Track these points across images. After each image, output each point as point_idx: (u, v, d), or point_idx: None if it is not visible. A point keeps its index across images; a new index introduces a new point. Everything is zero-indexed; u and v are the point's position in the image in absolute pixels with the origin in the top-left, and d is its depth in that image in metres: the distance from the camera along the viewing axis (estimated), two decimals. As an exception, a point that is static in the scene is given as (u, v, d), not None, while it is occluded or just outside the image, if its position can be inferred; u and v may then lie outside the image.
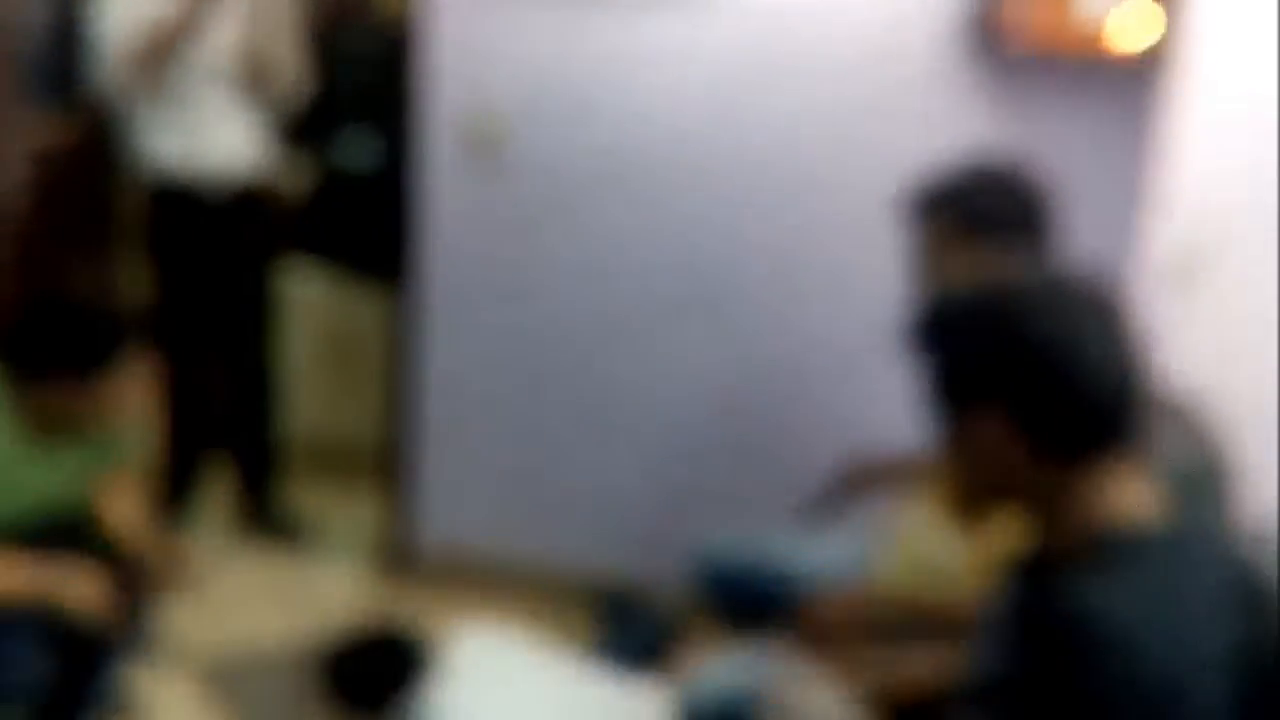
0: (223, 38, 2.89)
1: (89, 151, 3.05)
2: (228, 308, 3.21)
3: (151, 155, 2.98)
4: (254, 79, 2.96)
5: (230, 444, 3.40)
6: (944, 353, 1.35)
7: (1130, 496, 1.26)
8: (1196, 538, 1.30)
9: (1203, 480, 1.73)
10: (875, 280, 2.59)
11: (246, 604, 3.11)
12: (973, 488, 1.38)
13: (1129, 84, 2.58)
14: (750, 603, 2.26)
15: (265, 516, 3.40)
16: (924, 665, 1.84)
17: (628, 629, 2.75)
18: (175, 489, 3.32)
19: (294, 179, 4.00)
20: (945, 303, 1.42)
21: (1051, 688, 1.21)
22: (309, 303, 3.84)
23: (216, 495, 3.43)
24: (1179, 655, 1.18)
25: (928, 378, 1.36)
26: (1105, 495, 1.26)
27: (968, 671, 1.44)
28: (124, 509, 2.23)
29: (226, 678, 2.79)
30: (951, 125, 2.67)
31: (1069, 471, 1.27)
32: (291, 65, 3.04)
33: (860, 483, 2.35)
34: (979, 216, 1.91)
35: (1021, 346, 1.27)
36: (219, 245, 3.08)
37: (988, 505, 1.38)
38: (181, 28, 2.80)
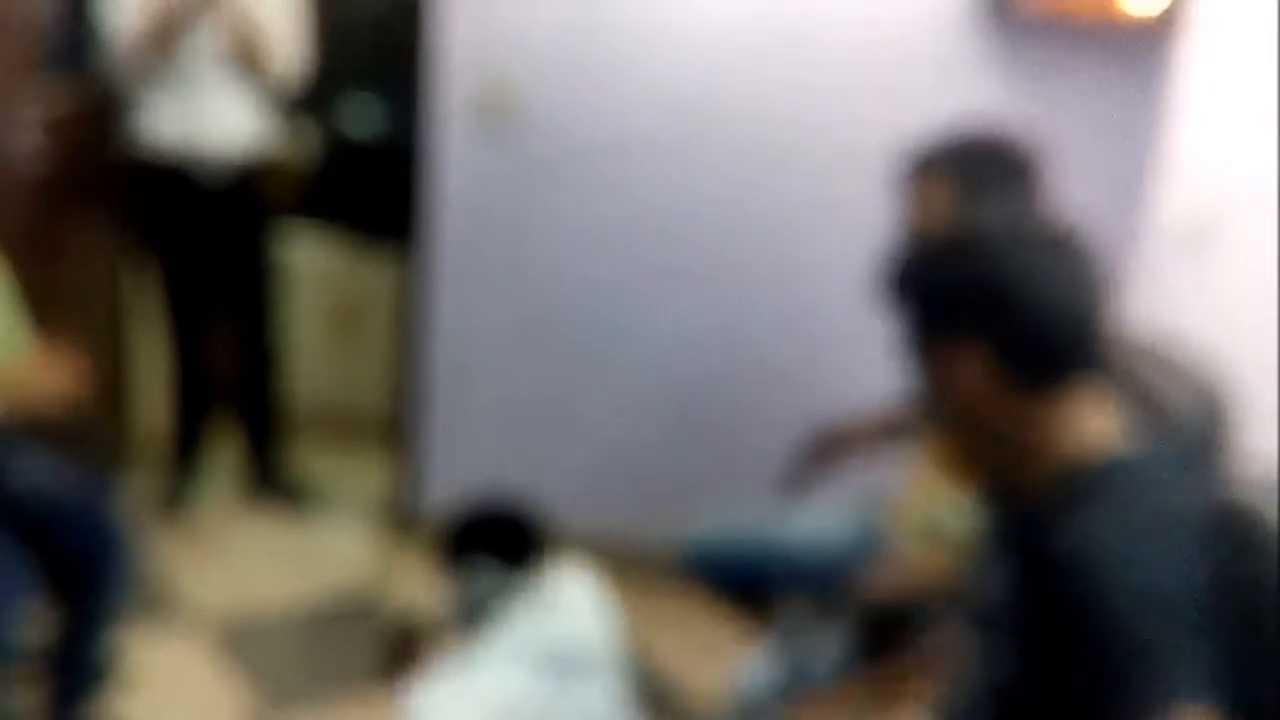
0: (219, 19, 2.91)
1: (100, 120, 3.04)
2: (230, 278, 3.23)
3: (150, 132, 3.00)
4: (248, 61, 2.96)
5: (237, 409, 3.43)
6: (920, 293, 1.39)
7: (1098, 425, 1.33)
8: (1163, 460, 1.36)
9: (1207, 429, 1.77)
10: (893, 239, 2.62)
11: (255, 566, 3.14)
12: (954, 427, 1.43)
13: (1140, 48, 2.59)
14: (746, 584, 2.31)
15: (271, 481, 3.43)
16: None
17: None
18: (182, 454, 3.37)
19: (300, 146, 4.01)
20: (918, 247, 1.46)
21: (1056, 616, 1.26)
22: (317, 269, 3.86)
23: (225, 460, 3.46)
24: (1169, 571, 1.24)
25: (904, 322, 1.40)
26: (1076, 425, 1.32)
27: (968, 598, 1.50)
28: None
29: (236, 638, 2.82)
30: (964, 92, 2.68)
31: (1042, 403, 1.32)
32: (287, 44, 3.04)
33: (833, 447, 2.37)
34: (975, 180, 1.94)
35: (994, 282, 1.32)
36: (217, 219, 3.10)
37: (969, 444, 1.42)
38: (181, 17, 2.84)
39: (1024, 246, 1.35)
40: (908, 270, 1.41)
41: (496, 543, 2.04)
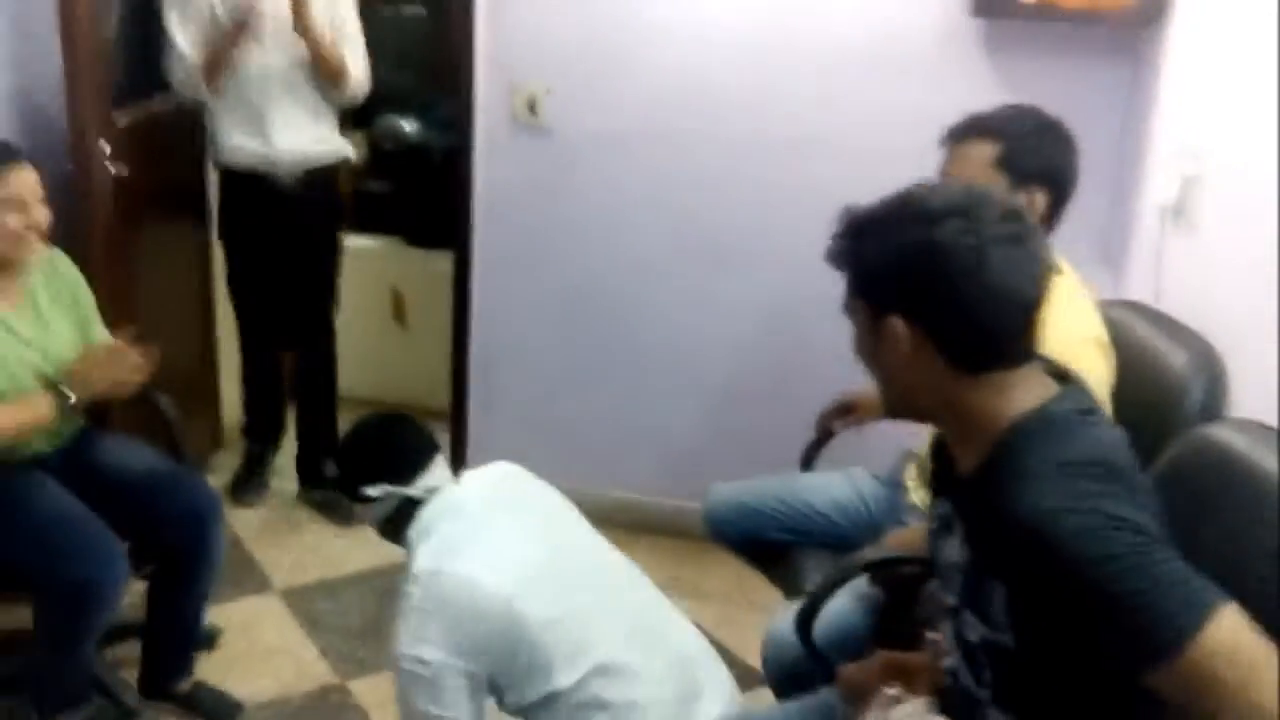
0: (287, 40, 3.12)
1: (180, 126, 3.26)
2: (299, 279, 3.41)
3: (224, 145, 3.22)
4: (333, 77, 3.17)
5: (298, 424, 3.61)
6: (862, 261, 1.35)
7: (1032, 394, 1.32)
8: (1078, 405, 1.34)
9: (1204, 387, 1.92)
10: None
11: (323, 540, 3.38)
12: (889, 396, 1.42)
13: (1126, 36, 2.72)
14: (767, 543, 2.41)
15: (325, 501, 3.55)
16: None
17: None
18: (261, 435, 3.59)
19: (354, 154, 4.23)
20: (863, 212, 1.38)
21: (1039, 582, 1.24)
22: (367, 264, 4.08)
23: (292, 447, 3.66)
24: (1125, 503, 1.23)
25: (847, 284, 1.38)
26: (1011, 398, 1.31)
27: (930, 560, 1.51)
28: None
29: (309, 606, 3.06)
30: (957, 80, 2.82)
31: (981, 381, 1.31)
32: (359, 64, 3.25)
33: (851, 410, 2.52)
34: (1018, 151, 1.94)
35: (933, 262, 1.27)
36: (288, 224, 3.30)
37: (906, 413, 1.43)
38: (227, 50, 3.07)
39: (967, 226, 1.27)
40: (849, 235, 1.37)
41: (380, 470, 1.95)
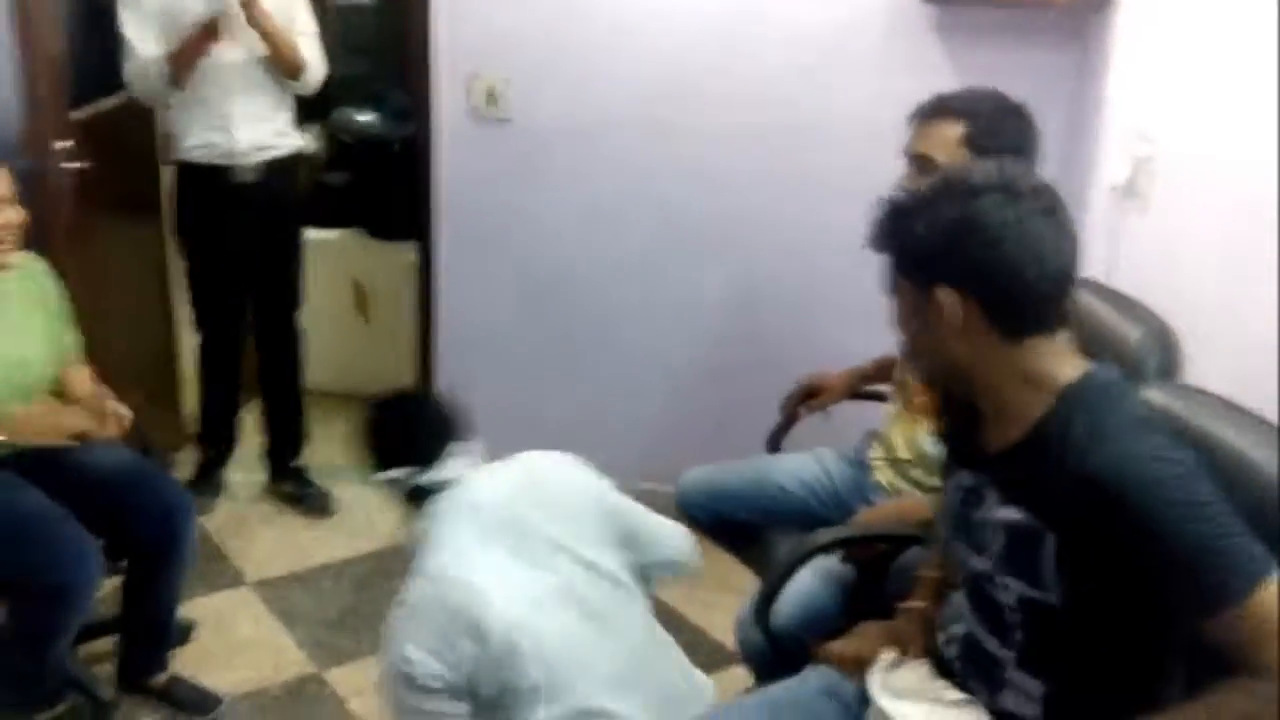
0: (247, 35, 3.09)
1: (135, 121, 3.24)
2: (260, 268, 3.40)
3: (183, 141, 3.19)
4: (289, 67, 3.15)
5: (263, 393, 3.60)
6: (907, 240, 1.42)
7: (1071, 363, 1.41)
8: (1121, 378, 1.44)
9: (1159, 360, 1.95)
10: (850, 210, 2.81)
11: (289, 534, 3.39)
12: (935, 370, 1.51)
13: (1074, 21, 2.79)
14: (738, 524, 2.44)
15: (295, 494, 3.57)
16: None
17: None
18: (215, 440, 3.56)
19: (312, 148, 4.23)
20: (903, 196, 1.46)
21: (1101, 538, 1.29)
22: (330, 257, 4.08)
23: (257, 439, 3.66)
24: (1188, 463, 1.30)
25: (892, 266, 1.44)
26: (1053, 365, 1.40)
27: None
28: (79, 378, 2.53)
29: (283, 596, 3.07)
30: (912, 65, 2.88)
31: (1024, 347, 1.39)
32: (315, 56, 3.24)
33: (816, 392, 2.58)
34: (984, 130, 2.01)
35: (978, 230, 1.35)
36: (248, 219, 3.27)
37: (951, 386, 1.50)
38: (200, 44, 3.03)
39: (1008, 199, 1.35)
40: (892, 218, 1.44)
41: (398, 457, 1.89)
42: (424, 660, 1.72)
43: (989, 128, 2.03)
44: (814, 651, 1.79)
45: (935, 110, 2.08)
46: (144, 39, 3.05)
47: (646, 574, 1.99)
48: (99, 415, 2.39)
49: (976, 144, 2.02)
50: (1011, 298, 1.38)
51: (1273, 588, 1.24)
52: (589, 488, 1.99)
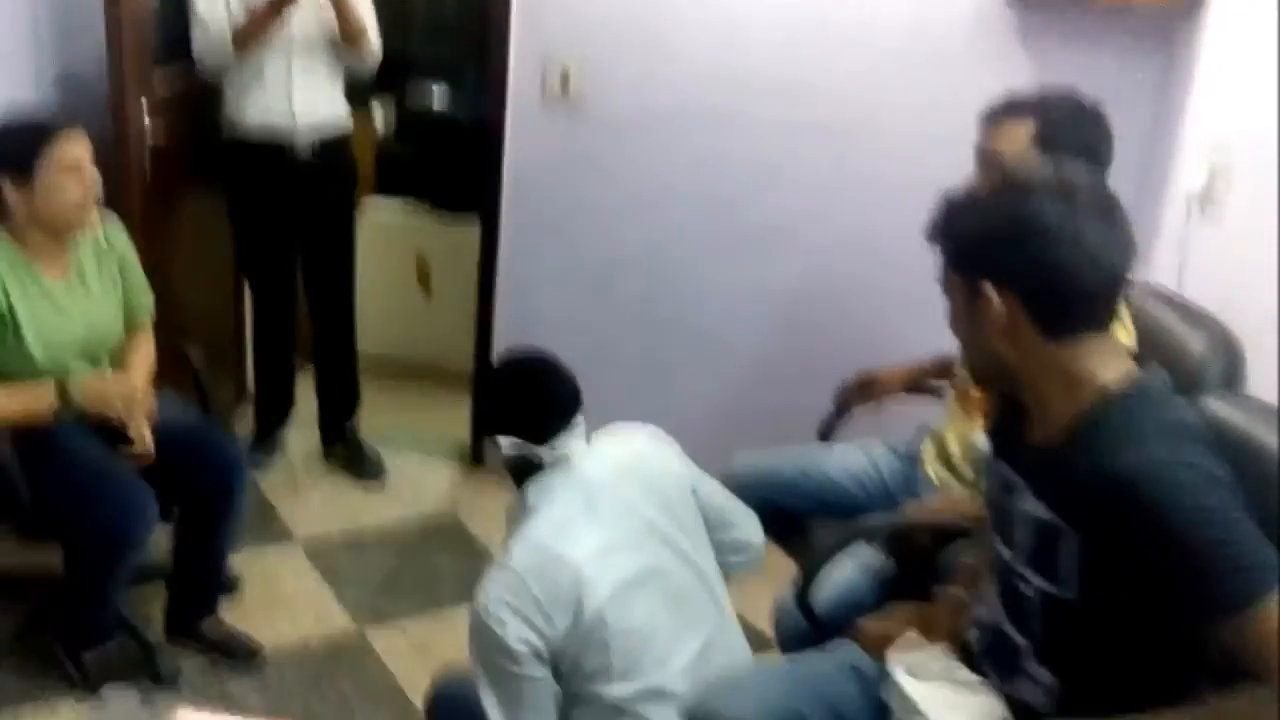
0: (307, 10, 3.13)
1: (203, 99, 3.29)
2: (314, 246, 3.44)
3: (241, 116, 3.23)
4: (354, 41, 3.19)
5: (318, 375, 3.64)
6: (959, 236, 1.44)
7: (1117, 364, 1.41)
8: (1168, 384, 1.43)
9: (1223, 369, 1.95)
10: (916, 209, 2.79)
11: (343, 494, 3.44)
12: (981, 365, 1.52)
13: (1157, 26, 2.75)
14: (778, 512, 2.39)
15: (347, 458, 3.62)
16: None
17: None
18: (271, 403, 3.62)
19: (378, 122, 4.29)
20: (961, 193, 1.48)
21: (1121, 537, 1.30)
22: (396, 231, 4.13)
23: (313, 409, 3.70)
24: (1213, 472, 1.31)
25: (945, 260, 1.46)
26: (1097, 366, 1.40)
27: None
28: (137, 354, 2.55)
29: (330, 555, 3.12)
30: (993, 69, 2.83)
31: (1068, 347, 1.40)
32: (373, 31, 3.27)
33: (869, 387, 2.56)
34: (1055, 130, 1.99)
35: (1028, 229, 1.36)
36: (305, 194, 3.31)
37: (997, 380, 1.51)
38: (270, 15, 3.07)
39: (1060, 199, 1.36)
40: (949, 214, 1.46)
41: (515, 425, 1.86)
42: (517, 626, 1.72)
43: (1060, 127, 2.01)
44: (846, 631, 1.80)
45: (1006, 109, 2.07)
46: (214, 11, 3.10)
47: (720, 554, 1.99)
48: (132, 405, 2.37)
49: (1048, 141, 2.00)
50: (1056, 297, 1.38)
51: None
52: (684, 473, 2.00)
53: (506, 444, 1.86)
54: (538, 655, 1.74)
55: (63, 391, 2.30)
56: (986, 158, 2.08)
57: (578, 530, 1.79)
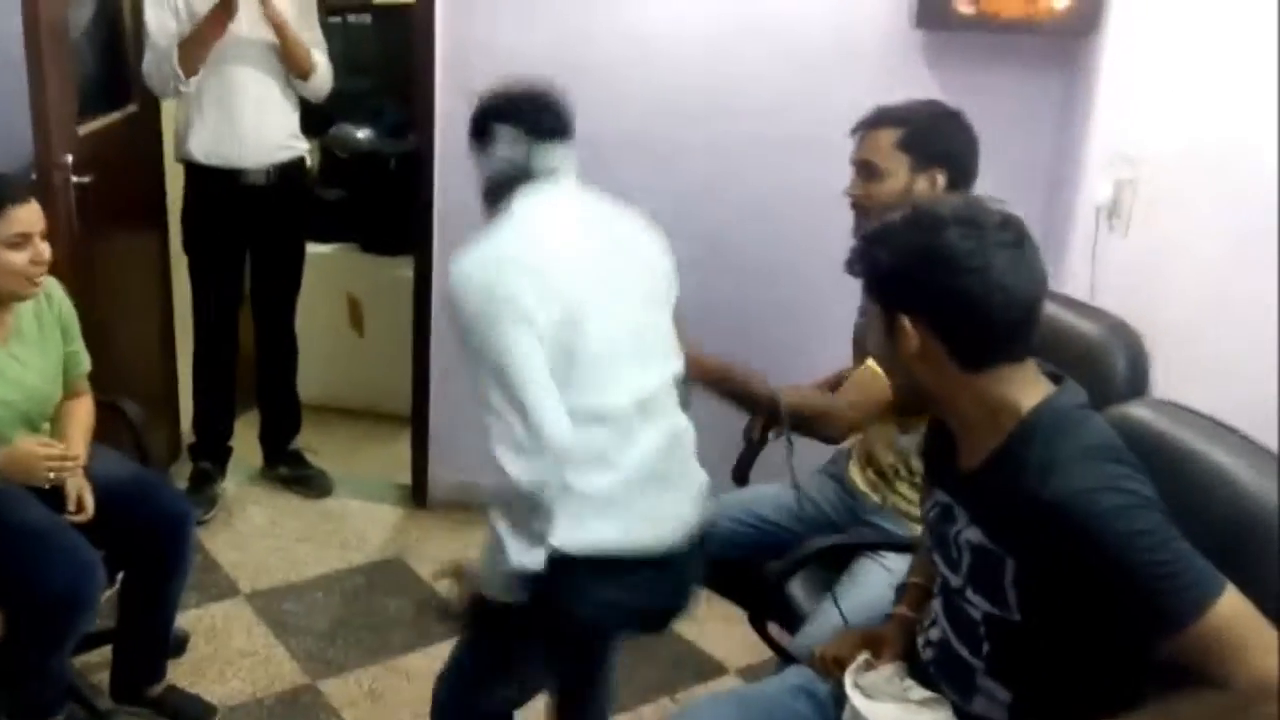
0: (259, 35, 3.18)
1: (142, 127, 3.29)
2: (264, 278, 3.48)
3: (194, 140, 3.26)
4: (299, 66, 3.25)
5: (259, 397, 3.68)
6: (874, 268, 1.47)
7: (1035, 390, 1.44)
8: (1081, 399, 1.46)
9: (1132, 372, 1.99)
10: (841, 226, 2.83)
11: (284, 542, 3.42)
12: (903, 392, 1.56)
13: (1061, 46, 2.84)
14: (723, 566, 2.25)
15: (293, 476, 3.68)
16: None
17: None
18: (209, 450, 3.60)
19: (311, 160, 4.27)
20: (882, 221, 1.49)
21: (1058, 560, 1.33)
22: (330, 268, 4.12)
23: (254, 446, 3.72)
24: (1138, 487, 1.34)
25: (864, 290, 1.51)
26: (1017, 393, 1.42)
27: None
28: (77, 411, 2.53)
29: (277, 607, 3.09)
30: (903, 87, 2.84)
31: (986, 377, 1.43)
32: (322, 60, 3.34)
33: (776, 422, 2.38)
34: (916, 134, 2.09)
35: (937, 262, 1.38)
36: (256, 219, 3.36)
37: (918, 408, 1.56)
38: (209, 30, 3.12)
39: (971, 231, 1.37)
40: (864, 244, 1.48)
41: (519, 114, 1.92)
42: (518, 279, 1.76)
43: (923, 131, 2.11)
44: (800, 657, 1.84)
45: (875, 120, 2.16)
46: (162, 28, 3.13)
47: None
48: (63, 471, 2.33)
49: (912, 146, 2.10)
50: (970, 329, 1.41)
51: (1222, 606, 1.29)
52: (669, 271, 2.06)
53: (504, 140, 1.90)
54: (529, 322, 1.74)
55: None
56: (860, 167, 2.18)
57: (556, 239, 1.85)
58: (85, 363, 2.56)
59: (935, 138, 2.11)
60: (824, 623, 2.05)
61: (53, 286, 2.47)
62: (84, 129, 3.05)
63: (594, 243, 1.92)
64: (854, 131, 2.18)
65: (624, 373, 1.85)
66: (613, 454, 1.83)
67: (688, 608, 2.01)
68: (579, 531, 1.80)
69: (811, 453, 2.46)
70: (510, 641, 1.93)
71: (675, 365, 1.98)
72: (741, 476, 2.54)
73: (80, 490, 2.34)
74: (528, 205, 1.90)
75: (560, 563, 1.79)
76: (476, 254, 1.84)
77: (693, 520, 1.93)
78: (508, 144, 1.92)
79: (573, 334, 1.78)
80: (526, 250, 1.84)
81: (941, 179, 2.10)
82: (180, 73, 3.13)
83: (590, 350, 1.80)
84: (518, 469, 1.74)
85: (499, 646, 1.96)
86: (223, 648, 2.90)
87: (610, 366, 1.83)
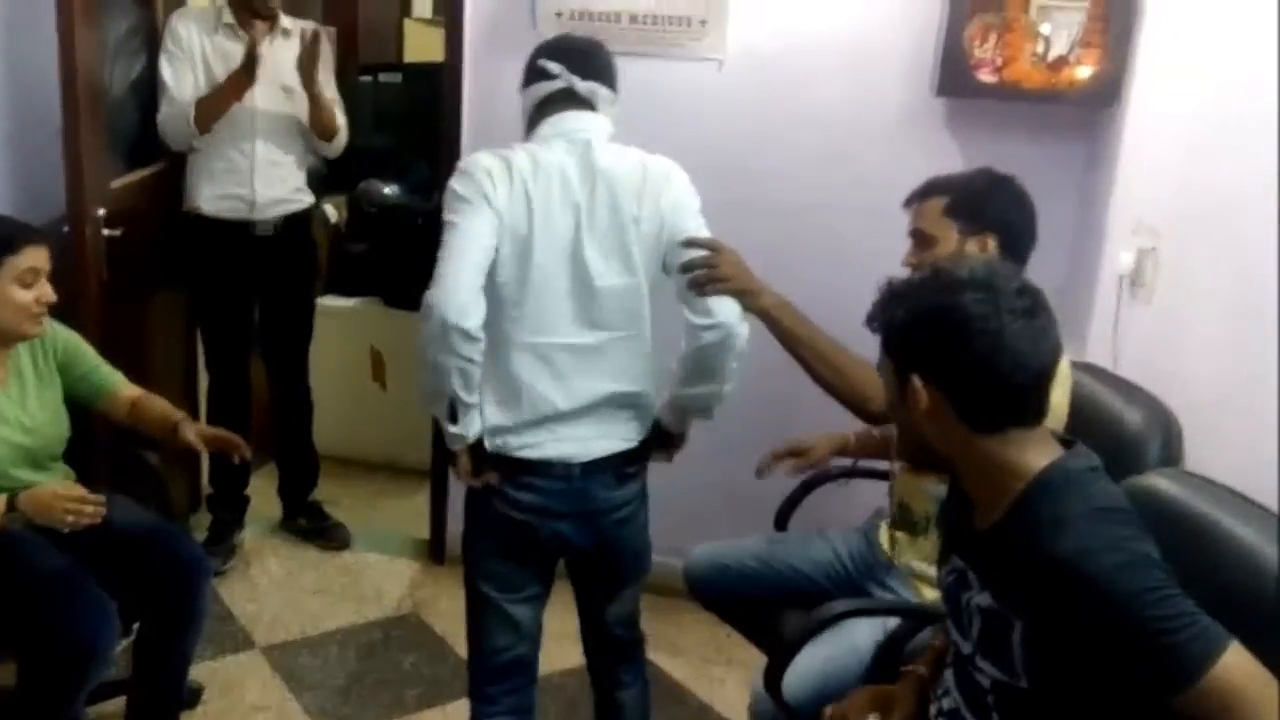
0: (273, 94, 3.26)
1: (166, 182, 3.35)
2: (273, 328, 3.52)
3: (204, 192, 3.31)
4: (324, 128, 3.32)
5: (276, 451, 3.70)
6: (889, 325, 1.48)
7: (1045, 453, 1.44)
8: (1090, 461, 1.46)
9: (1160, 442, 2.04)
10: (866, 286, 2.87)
11: (302, 598, 3.41)
12: (910, 449, 1.57)
13: (1084, 115, 2.87)
14: (743, 603, 2.45)
15: (311, 528, 3.69)
16: None
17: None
18: (226, 502, 3.61)
19: (330, 217, 4.34)
20: (904, 278, 1.52)
21: (1058, 616, 1.34)
22: (346, 327, 4.16)
23: (271, 498, 3.72)
24: (1146, 547, 1.35)
25: (881, 345, 1.51)
26: (1027, 455, 1.43)
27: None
28: (145, 401, 2.61)
29: (292, 661, 3.08)
30: (927, 153, 2.92)
31: (996, 440, 1.43)
32: (341, 121, 3.40)
33: (797, 453, 2.48)
34: (965, 200, 2.11)
35: (950, 326, 1.39)
36: (266, 272, 3.40)
37: (927, 465, 1.57)
38: (230, 92, 3.19)
39: (986, 298, 1.38)
40: (882, 301, 1.50)
41: (564, 52, 2.15)
42: (498, 173, 2.02)
43: (969, 197, 2.13)
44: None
45: (924, 190, 2.20)
46: (181, 84, 3.20)
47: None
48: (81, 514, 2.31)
49: (958, 212, 2.12)
50: (978, 392, 1.41)
51: (1228, 659, 1.30)
52: (693, 208, 2.27)
53: (555, 69, 2.12)
54: (490, 206, 1.99)
55: (10, 503, 2.28)
56: (914, 236, 2.20)
57: (555, 178, 2.04)
58: (113, 373, 2.59)
59: (982, 203, 2.12)
60: (805, 671, 2.08)
61: (51, 325, 2.49)
62: (115, 183, 3.11)
63: (582, 195, 2.06)
64: (907, 204, 2.21)
65: (561, 319, 2.06)
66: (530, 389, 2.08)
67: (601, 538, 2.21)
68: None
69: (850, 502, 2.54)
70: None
71: (629, 332, 2.15)
72: (782, 523, 2.62)
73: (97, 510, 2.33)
74: (550, 130, 2.10)
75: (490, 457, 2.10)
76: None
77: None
78: (558, 79, 2.12)
79: (524, 249, 2.00)
80: (524, 162, 2.03)
81: (993, 243, 2.10)
82: (195, 131, 3.21)
83: (532, 280, 2.02)
84: (422, 330, 2.01)
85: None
86: (237, 702, 2.88)
87: (550, 303, 2.04)
